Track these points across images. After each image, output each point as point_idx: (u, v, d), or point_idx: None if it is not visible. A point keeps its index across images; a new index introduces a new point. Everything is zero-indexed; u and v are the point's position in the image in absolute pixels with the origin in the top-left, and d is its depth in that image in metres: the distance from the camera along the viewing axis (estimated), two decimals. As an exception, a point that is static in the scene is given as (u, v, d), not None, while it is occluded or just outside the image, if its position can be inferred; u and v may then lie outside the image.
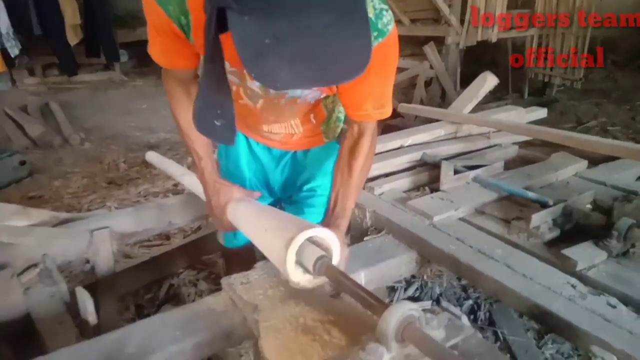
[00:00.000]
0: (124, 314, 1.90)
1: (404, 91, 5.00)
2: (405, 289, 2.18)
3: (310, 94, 1.11)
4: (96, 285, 1.66)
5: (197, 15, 0.91)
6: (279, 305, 1.10)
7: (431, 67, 4.73)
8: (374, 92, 1.04)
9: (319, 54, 0.65)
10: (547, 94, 5.73)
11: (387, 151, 2.00)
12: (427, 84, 4.91)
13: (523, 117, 2.46)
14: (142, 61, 7.88)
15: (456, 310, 0.88)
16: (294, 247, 0.91)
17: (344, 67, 0.68)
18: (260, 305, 1.11)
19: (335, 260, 0.93)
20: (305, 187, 1.36)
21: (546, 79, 5.56)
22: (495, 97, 5.23)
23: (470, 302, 2.08)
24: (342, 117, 1.34)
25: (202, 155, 1.18)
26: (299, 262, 0.96)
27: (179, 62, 1.07)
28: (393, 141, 2.04)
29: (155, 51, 1.05)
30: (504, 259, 1.32)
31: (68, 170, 3.90)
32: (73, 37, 6.09)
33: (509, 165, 2.03)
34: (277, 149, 1.36)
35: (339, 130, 1.35)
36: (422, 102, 4.61)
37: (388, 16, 0.93)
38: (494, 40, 4.87)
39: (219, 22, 0.72)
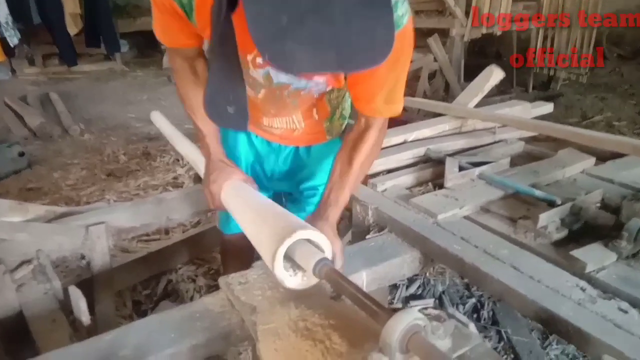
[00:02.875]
0: (121, 309, 1.87)
1: (407, 84, 4.92)
2: (407, 287, 2.15)
3: (316, 87, 1.06)
4: (92, 281, 1.63)
5: None
6: (278, 307, 1.06)
7: (435, 60, 4.66)
8: (386, 85, 0.99)
9: (340, 38, 0.62)
10: (552, 87, 5.66)
11: (390, 146, 1.96)
12: (431, 76, 4.85)
13: (529, 112, 2.41)
14: (143, 51, 7.83)
15: (463, 317, 0.84)
16: (284, 247, 0.88)
17: (365, 54, 0.65)
18: (258, 307, 1.08)
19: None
20: (306, 185, 1.32)
21: (551, 73, 5.48)
22: (499, 91, 5.16)
23: (474, 300, 2.05)
24: (347, 115, 1.29)
25: (207, 133, 1.15)
26: (292, 262, 0.93)
27: (181, 40, 1.04)
28: (397, 136, 1.99)
29: (157, 28, 1.03)
30: (510, 259, 1.28)
31: (67, 162, 3.87)
32: (73, 27, 6.02)
33: (515, 161, 1.98)
34: (277, 143, 1.31)
35: (342, 127, 1.31)
36: (425, 95, 4.55)
37: (404, 8, 0.88)
38: (498, 33, 4.80)
39: (229, 1, 0.68)
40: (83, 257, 1.60)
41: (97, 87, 6.23)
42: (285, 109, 1.16)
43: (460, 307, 2.04)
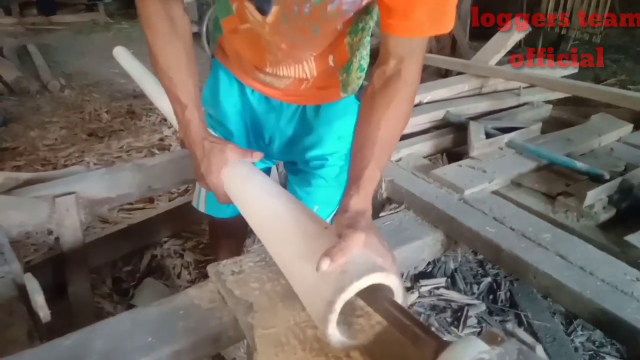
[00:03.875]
0: (100, 288, 1.67)
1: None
2: (416, 266, 1.97)
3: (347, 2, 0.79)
4: (63, 258, 1.42)
5: None
6: (279, 305, 0.86)
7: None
8: None
9: None
10: (562, 48, 5.36)
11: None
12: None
13: (554, 72, 2.17)
14: (128, 2, 7.33)
15: (526, 336, 0.64)
16: (343, 300, 0.61)
17: None
18: (256, 304, 0.88)
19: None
20: (313, 154, 1.07)
21: (563, 32, 5.17)
22: (506, 52, 4.87)
23: (489, 279, 1.87)
24: (365, 67, 1.04)
25: (187, 103, 0.88)
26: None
27: None
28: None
29: None
30: (555, 246, 1.08)
31: (46, 120, 3.59)
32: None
33: (543, 127, 1.76)
34: (278, 101, 1.06)
35: (359, 83, 1.05)
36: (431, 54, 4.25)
37: None
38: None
39: None
40: (50, 233, 1.38)
41: (78, 40, 5.84)
42: (300, 44, 0.89)
43: (475, 286, 1.87)
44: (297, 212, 0.81)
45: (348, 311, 0.70)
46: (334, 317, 0.62)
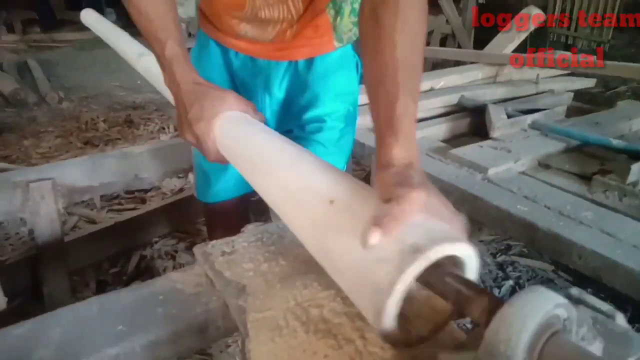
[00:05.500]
0: (83, 291, 1.51)
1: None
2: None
3: None
4: (38, 253, 1.28)
5: None
6: (277, 287, 0.70)
7: (447, 22, 4.27)
8: None
9: None
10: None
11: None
12: (442, 41, 4.45)
13: (571, 85, 2.02)
14: (131, 21, 7.36)
15: (602, 304, 0.48)
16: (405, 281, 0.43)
17: None
18: (249, 287, 0.72)
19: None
20: (308, 115, 0.93)
21: (569, 42, 5.09)
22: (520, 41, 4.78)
23: (511, 283, 1.71)
24: (357, 9, 0.90)
25: (166, 39, 0.73)
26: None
27: None
28: (422, 82, 1.62)
29: None
30: (599, 224, 0.92)
31: (41, 130, 3.49)
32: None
33: (566, 116, 1.62)
34: (266, 60, 0.93)
35: (355, 31, 0.92)
36: (435, 61, 4.16)
37: None
38: (516, -5, 4.41)
39: None
40: (25, 224, 1.24)
41: (80, 56, 5.80)
42: None
43: (495, 290, 1.70)
44: (323, 167, 0.63)
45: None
46: (392, 302, 0.43)
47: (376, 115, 0.58)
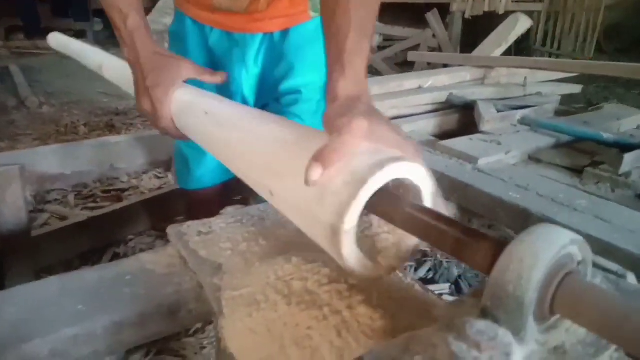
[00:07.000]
0: (51, 290, 1.42)
1: (404, 61, 4.57)
2: (416, 269, 1.76)
3: None
4: (3, 247, 1.19)
5: None
6: (257, 265, 0.65)
7: (433, 36, 4.31)
8: None
9: None
10: (552, 75, 5.37)
11: (403, 91, 1.56)
12: (429, 56, 4.49)
13: (557, 89, 2.03)
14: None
15: (613, 265, 0.44)
16: (361, 201, 0.41)
17: None
18: (225, 265, 0.67)
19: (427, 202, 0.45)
20: (284, 86, 0.91)
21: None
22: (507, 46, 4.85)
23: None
24: None
25: (128, 11, 0.72)
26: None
27: None
28: (410, 80, 1.60)
29: None
30: (593, 211, 0.89)
31: (19, 132, 3.38)
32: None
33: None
34: (240, 33, 0.91)
35: None
36: (422, 75, 4.19)
37: None
38: (501, 12, 4.48)
39: None
40: (-12, 213, 1.16)
41: (65, 64, 5.69)
42: None
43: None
44: (275, 120, 0.61)
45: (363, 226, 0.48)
46: (347, 239, 0.41)
47: (328, 52, 0.56)
